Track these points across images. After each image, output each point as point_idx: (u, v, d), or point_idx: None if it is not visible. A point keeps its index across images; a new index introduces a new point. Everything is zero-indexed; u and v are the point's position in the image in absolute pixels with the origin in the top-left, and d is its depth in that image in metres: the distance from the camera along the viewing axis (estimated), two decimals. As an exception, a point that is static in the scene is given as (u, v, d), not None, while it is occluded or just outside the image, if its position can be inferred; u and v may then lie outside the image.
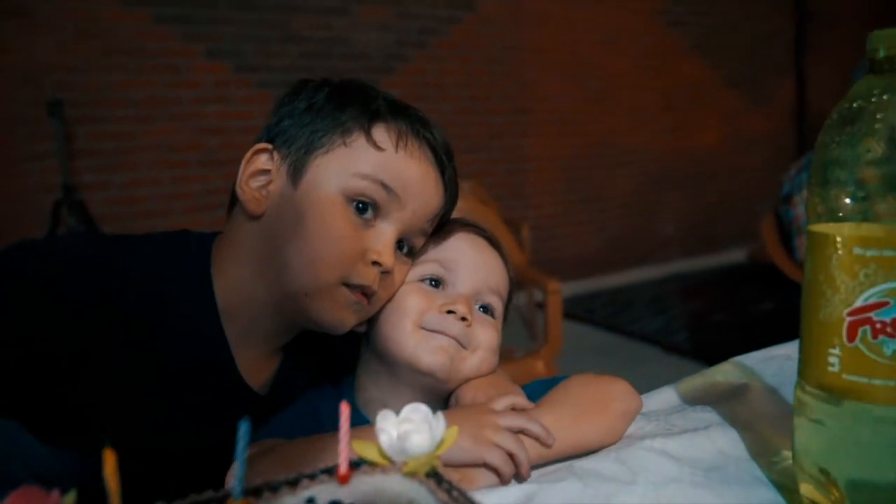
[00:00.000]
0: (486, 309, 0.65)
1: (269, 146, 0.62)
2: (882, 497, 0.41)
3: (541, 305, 2.05)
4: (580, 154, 4.28)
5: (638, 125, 4.50)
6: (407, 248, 0.64)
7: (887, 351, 0.39)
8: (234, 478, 0.33)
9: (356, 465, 0.37)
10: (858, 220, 0.40)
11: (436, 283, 0.64)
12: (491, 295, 0.65)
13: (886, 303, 0.38)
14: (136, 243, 0.59)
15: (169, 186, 2.97)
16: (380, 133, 0.60)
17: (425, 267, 0.65)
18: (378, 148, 0.60)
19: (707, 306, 3.83)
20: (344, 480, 0.35)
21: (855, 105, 0.41)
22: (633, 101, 4.46)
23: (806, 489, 0.45)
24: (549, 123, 4.13)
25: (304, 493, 0.34)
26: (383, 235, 0.60)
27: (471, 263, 0.65)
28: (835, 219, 0.41)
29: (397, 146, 0.60)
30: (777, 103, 5.14)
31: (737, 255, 4.68)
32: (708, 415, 0.59)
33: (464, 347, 0.61)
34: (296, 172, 0.61)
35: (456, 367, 0.60)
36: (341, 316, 0.60)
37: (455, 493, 0.34)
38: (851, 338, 0.40)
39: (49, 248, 0.56)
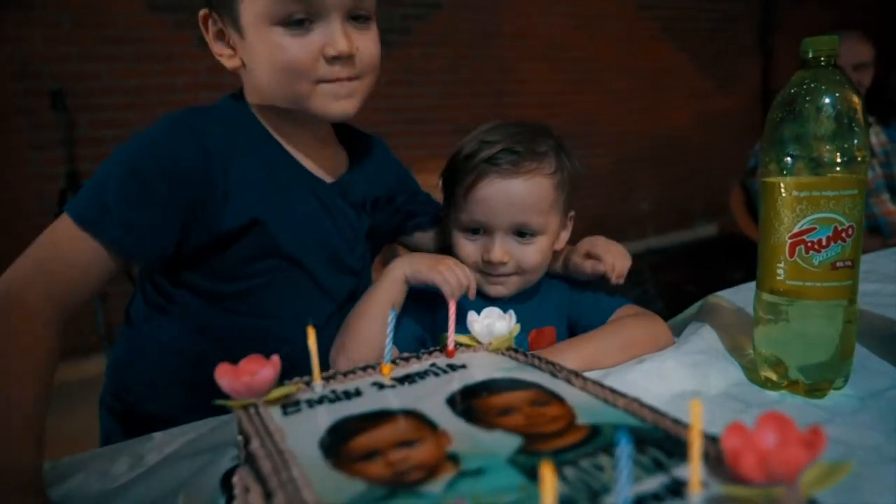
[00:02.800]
0: (523, 232, 0.77)
1: (207, 10, 0.72)
2: (815, 369, 0.59)
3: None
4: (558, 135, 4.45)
5: (612, 107, 4.68)
6: (362, 16, 0.71)
7: (815, 261, 0.56)
8: (386, 351, 0.49)
9: (457, 346, 0.53)
10: (795, 172, 0.57)
11: (477, 228, 0.78)
12: (524, 219, 0.76)
13: (814, 228, 0.56)
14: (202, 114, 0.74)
15: (167, 172, 3.06)
16: None
17: (466, 216, 0.77)
18: None
19: (680, 278, 4.06)
20: (451, 355, 0.51)
21: (792, 91, 0.57)
22: (607, 83, 4.64)
23: (763, 369, 0.62)
24: (528, 106, 4.29)
25: (428, 361, 0.50)
26: (328, 30, 0.67)
27: (498, 205, 0.75)
28: (780, 173, 0.58)
29: None
30: (743, 83, 5.36)
31: (708, 230, 4.92)
32: (700, 327, 0.75)
33: (520, 273, 0.78)
34: (235, 23, 0.70)
35: (520, 285, 0.79)
36: (336, 106, 0.71)
37: (526, 357, 0.50)
38: (791, 254, 0.57)
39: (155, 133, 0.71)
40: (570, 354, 0.65)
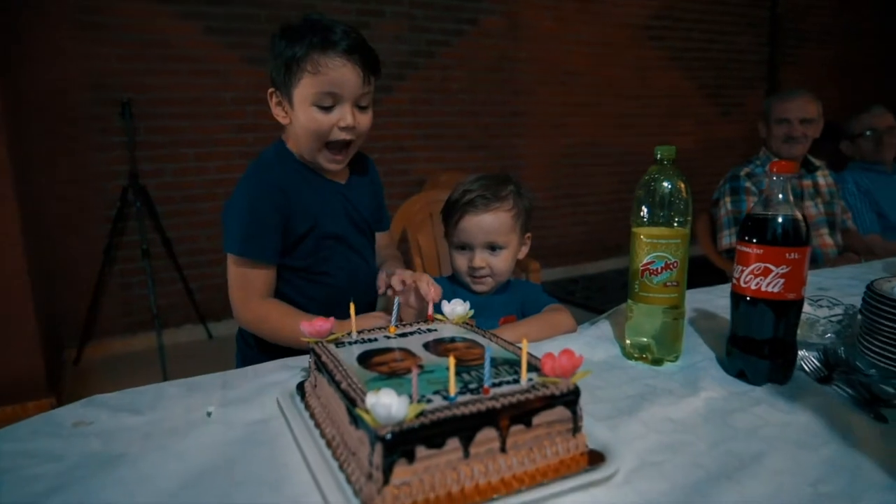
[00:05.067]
0: (494, 247, 1.18)
1: (274, 89, 1.17)
2: (662, 344, 0.95)
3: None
4: (566, 154, 4.80)
5: (618, 129, 5.02)
6: (362, 105, 1.16)
7: (654, 282, 0.92)
8: (393, 319, 0.86)
9: (434, 318, 0.90)
10: (647, 224, 0.94)
11: (464, 246, 1.19)
12: (493, 238, 1.17)
13: (653, 261, 0.92)
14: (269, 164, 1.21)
15: (213, 175, 3.48)
16: (316, 65, 1.09)
17: (457, 239, 1.19)
18: (320, 73, 1.10)
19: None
20: (431, 320, 0.89)
21: (646, 178, 0.94)
22: (617, 107, 4.98)
23: (629, 347, 0.98)
24: (539, 126, 4.65)
25: (417, 326, 0.88)
26: (342, 110, 1.13)
27: (475, 230, 1.18)
28: (640, 224, 0.95)
29: (329, 67, 1.10)
30: (746, 112, 5.66)
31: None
32: (603, 322, 1.12)
33: (493, 276, 1.18)
34: (290, 100, 1.15)
35: (494, 285, 1.20)
36: (327, 165, 1.20)
37: (471, 327, 0.87)
38: (642, 276, 0.93)
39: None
40: (510, 331, 1.03)
